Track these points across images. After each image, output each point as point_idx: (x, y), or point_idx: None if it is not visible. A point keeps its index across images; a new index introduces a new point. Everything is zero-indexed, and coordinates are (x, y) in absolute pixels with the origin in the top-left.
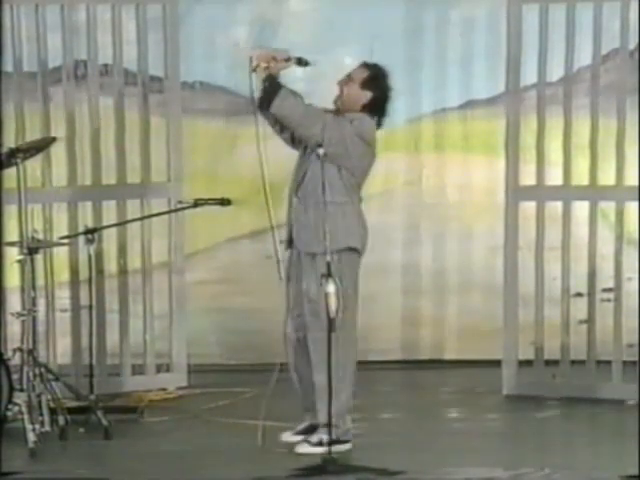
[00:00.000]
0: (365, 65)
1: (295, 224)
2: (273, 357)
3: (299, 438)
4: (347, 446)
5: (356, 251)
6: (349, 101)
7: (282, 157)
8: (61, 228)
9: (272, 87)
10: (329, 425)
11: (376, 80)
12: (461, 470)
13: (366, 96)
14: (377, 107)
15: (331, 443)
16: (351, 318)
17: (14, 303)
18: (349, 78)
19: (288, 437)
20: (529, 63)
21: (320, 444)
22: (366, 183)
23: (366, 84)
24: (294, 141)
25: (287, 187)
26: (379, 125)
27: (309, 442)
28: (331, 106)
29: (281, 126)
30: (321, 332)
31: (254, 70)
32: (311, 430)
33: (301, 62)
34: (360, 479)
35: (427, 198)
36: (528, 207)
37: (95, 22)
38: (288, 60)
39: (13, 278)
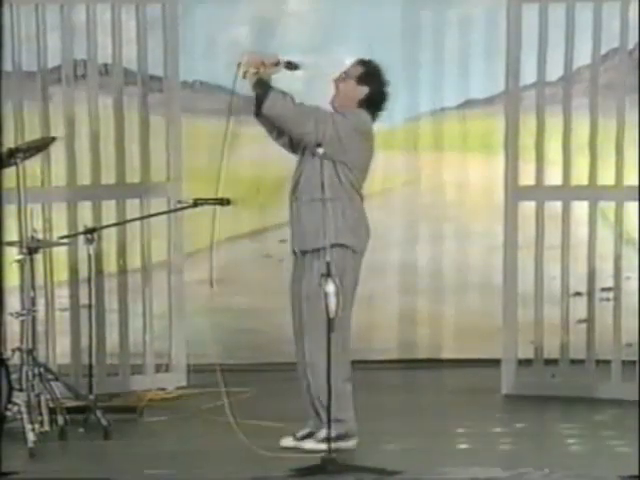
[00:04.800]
0: (361, 61)
1: (292, 224)
2: (272, 357)
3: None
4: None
5: (347, 248)
6: (345, 98)
7: (283, 157)
8: (60, 228)
9: (262, 90)
10: (329, 423)
11: (372, 76)
12: (460, 470)
13: (362, 92)
14: (373, 102)
15: (330, 441)
16: (347, 317)
17: (13, 303)
18: (345, 75)
19: (288, 442)
20: (528, 62)
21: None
22: (365, 182)
23: (362, 80)
24: (292, 145)
25: (287, 186)
26: (374, 120)
27: (316, 438)
28: (329, 106)
29: (278, 131)
30: (321, 332)
31: (244, 76)
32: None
33: (291, 66)
34: (359, 479)
35: (426, 198)
36: (527, 207)
37: (95, 22)
38: (277, 64)
39: (12, 278)
